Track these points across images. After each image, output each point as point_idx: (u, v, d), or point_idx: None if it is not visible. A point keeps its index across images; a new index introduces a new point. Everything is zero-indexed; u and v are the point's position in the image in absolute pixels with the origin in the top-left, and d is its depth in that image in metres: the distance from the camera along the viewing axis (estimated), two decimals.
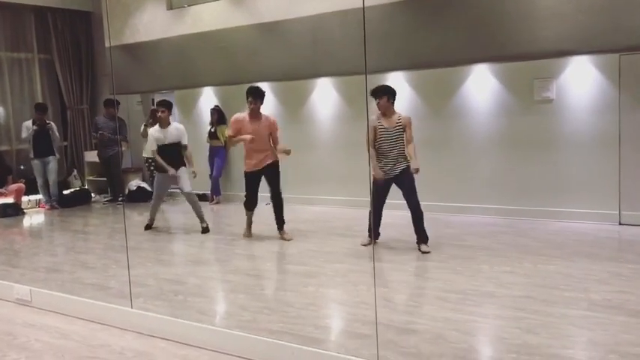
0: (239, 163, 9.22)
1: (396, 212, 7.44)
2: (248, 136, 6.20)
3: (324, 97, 8.49)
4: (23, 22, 10.36)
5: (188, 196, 7.05)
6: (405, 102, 7.76)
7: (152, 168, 9.62)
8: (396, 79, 7.77)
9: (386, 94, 5.77)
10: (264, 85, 8.87)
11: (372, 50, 7.12)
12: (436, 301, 4.27)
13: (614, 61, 6.44)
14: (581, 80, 6.67)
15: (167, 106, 7.01)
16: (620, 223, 6.52)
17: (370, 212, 5.90)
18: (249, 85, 6.59)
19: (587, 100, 6.64)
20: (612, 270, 4.84)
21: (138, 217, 8.46)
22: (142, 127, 9.80)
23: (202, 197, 9.45)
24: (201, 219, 7.04)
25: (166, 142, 6.93)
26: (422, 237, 5.76)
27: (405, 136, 5.76)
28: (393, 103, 5.83)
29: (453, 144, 7.49)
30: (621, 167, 6.50)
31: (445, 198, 7.49)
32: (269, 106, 9.01)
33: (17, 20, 10.28)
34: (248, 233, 6.57)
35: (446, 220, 7.13)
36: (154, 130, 7.02)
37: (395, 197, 7.62)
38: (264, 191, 6.50)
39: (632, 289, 4.34)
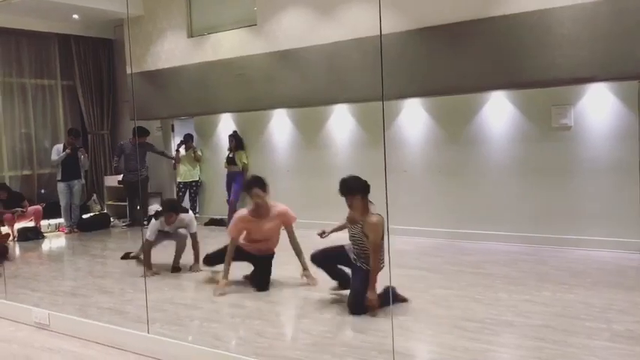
0: None
1: (412, 239, 7.43)
2: (222, 283, 5.40)
3: (341, 123, 8.53)
4: (47, 49, 10.62)
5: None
6: (421, 128, 7.79)
7: (193, 191, 9.73)
8: (413, 106, 7.81)
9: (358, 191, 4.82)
10: (281, 112, 9.02)
11: (388, 77, 7.19)
12: (454, 330, 4.22)
13: (632, 88, 6.40)
14: (599, 107, 6.63)
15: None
16: None
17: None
18: (250, 176, 6.09)
19: (606, 126, 6.59)
20: (635, 300, 4.74)
21: None
22: (175, 153, 9.93)
23: (220, 222, 9.51)
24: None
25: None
26: None
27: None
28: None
29: (470, 170, 7.46)
30: None
31: (464, 225, 7.45)
32: (286, 132, 9.10)
33: (42, 48, 10.53)
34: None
35: (464, 247, 7.07)
36: None
37: (411, 223, 7.62)
38: None
39: None
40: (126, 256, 7.23)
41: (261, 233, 5.55)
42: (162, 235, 6.36)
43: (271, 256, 5.74)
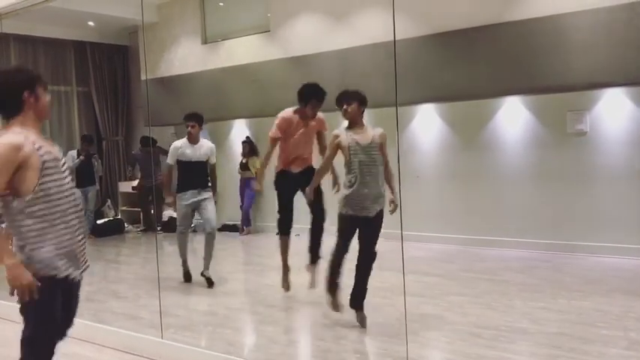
0: (270, 195, 9.29)
1: (425, 245, 7.39)
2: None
3: None
4: (63, 56, 10.73)
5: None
6: (435, 134, 7.76)
7: None
8: (426, 111, 7.78)
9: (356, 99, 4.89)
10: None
11: (401, 83, 7.16)
12: (469, 337, 4.19)
13: None
14: (615, 113, 6.57)
15: (198, 120, 6.35)
16: None
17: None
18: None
19: (622, 132, 6.53)
20: None
21: (169, 247, 8.54)
22: None
23: (233, 228, 9.53)
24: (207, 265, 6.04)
25: (193, 160, 6.16)
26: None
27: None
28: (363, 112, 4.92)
29: (485, 176, 7.42)
30: None
31: (478, 231, 7.40)
32: None
33: (58, 54, 10.65)
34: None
35: (478, 253, 7.02)
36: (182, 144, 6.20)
37: (424, 230, 7.58)
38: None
39: None
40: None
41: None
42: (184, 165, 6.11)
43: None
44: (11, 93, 2.70)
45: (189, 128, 6.18)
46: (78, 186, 9.49)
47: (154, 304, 5.08)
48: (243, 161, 9.32)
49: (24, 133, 2.63)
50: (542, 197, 7.02)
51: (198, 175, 6.15)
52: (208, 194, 6.13)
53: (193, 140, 6.17)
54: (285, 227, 5.44)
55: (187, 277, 6.20)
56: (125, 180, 10.93)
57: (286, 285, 5.45)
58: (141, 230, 10.12)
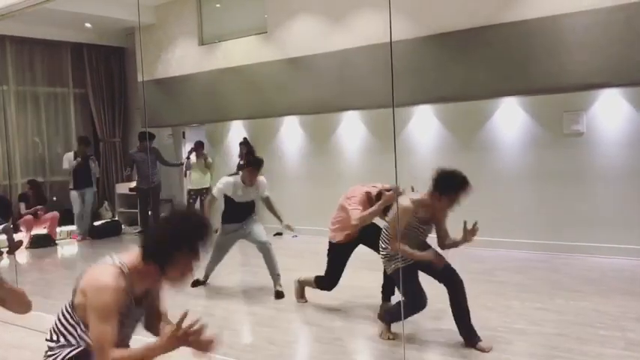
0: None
1: None
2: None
3: (351, 130, 8.53)
4: (60, 57, 10.71)
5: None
6: (432, 135, 7.76)
7: (204, 198, 9.57)
8: (424, 112, 7.79)
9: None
10: (292, 119, 9.04)
11: (399, 84, 7.17)
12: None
13: None
14: (612, 113, 6.58)
15: (260, 165, 5.82)
16: None
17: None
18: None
19: (619, 132, 6.54)
20: None
21: None
22: (185, 161, 9.96)
23: None
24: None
25: (244, 200, 5.83)
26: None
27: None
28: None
29: (482, 177, 7.40)
30: None
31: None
32: (296, 139, 9.11)
33: (54, 56, 10.63)
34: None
35: (476, 254, 7.02)
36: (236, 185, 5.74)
37: None
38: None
39: None
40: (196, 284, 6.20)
41: None
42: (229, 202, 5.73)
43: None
44: (165, 247, 2.37)
45: (248, 174, 5.71)
46: (75, 188, 9.51)
47: None
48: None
49: (130, 272, 2.43)
50: (539, 198, 7.03)
51: (245, 210, 5.87)
52: (253, 222, 5.86)
53: (250, 183, 5.75)
54: (326, 287, 5.11)
55: (195, 285, 6.09)
56: (122, 181, 10.92)
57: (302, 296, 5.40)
58: (138, 232, 10.10)
